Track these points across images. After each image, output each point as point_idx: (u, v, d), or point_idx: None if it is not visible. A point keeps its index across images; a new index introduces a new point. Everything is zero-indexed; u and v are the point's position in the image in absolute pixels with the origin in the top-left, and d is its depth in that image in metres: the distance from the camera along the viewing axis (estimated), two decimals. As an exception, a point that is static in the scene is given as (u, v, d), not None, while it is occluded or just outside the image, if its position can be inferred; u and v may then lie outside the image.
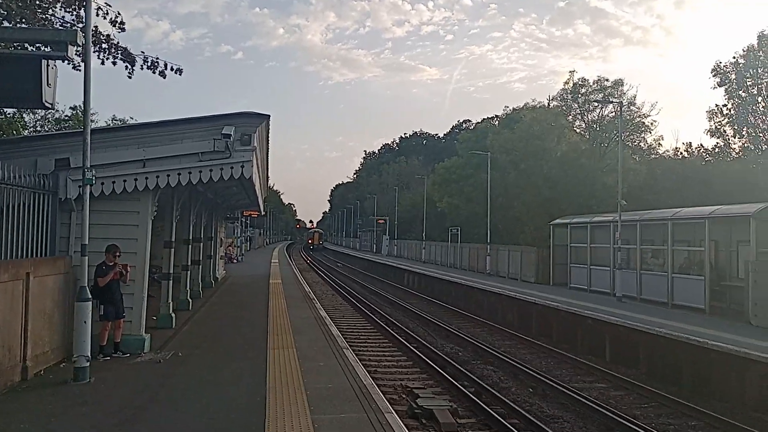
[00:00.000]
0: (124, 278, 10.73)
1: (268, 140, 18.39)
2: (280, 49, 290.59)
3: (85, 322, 9.05)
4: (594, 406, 11.87)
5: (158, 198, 11.91)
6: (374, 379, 10.62)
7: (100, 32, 14.99)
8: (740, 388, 12.69)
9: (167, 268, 14.73)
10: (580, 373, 15.64)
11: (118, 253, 10.66)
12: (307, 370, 9.89)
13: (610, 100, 38.35)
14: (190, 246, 18.72)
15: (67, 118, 37.08)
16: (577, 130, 46.08)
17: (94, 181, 9.50)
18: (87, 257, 9.28)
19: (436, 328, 22.25)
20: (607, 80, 42.64)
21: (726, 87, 37.33)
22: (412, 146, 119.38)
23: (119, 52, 15.38)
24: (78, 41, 8.67)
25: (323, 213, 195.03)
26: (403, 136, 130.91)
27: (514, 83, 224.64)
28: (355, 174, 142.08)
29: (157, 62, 15.27)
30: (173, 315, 14.58)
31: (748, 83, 36.40)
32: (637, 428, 10.50)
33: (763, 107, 36.29)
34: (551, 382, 13.77)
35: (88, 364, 9.01)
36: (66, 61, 11.96)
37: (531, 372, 14.84)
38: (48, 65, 8.60)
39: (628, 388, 13.97)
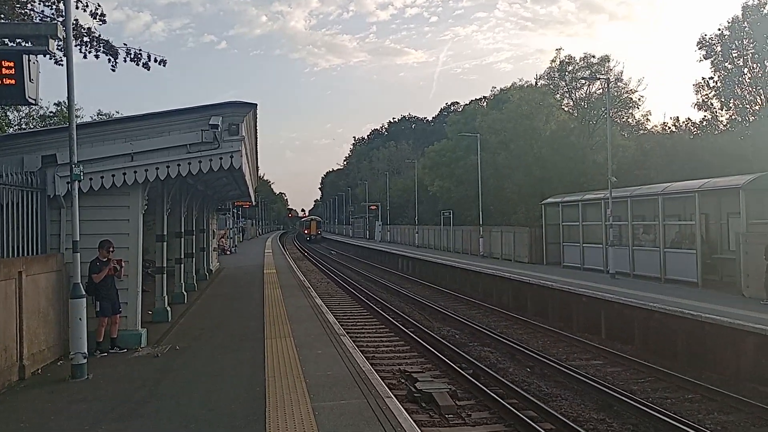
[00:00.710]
0: (118, 273, 10.68)
1: (256, 129, 18.26)
2: (264, 37, 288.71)
3: (80, 318, 9.01)
4: (591, 383, 11.95)
5: (148, 191, 11.81)
6: (372, 364, 10.65)
7: (81, 25, 14.81)
8: (735, 359, 12.81)
9: (160, 262, 14.67)
10: (576, 351, 15.75)
11: (111, 249, 10.61)
12: (306, 359, 9.90)
13: (597, 76, 38.37)
14: (182, 239, 18.65)
15: (51, 114, 36.82)
16: (566, 109, 46.19)
17: (82, 177, 9.40)
18: (79, 254, 9.22)
19: (432, 312, 22.33)
20: (593, 57, 42.80)
21: (712, 59, 37.35)
22: (401, 130, 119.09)
23: (101, 44, 15.22)
24: (59, 35, 8.55)
25: (315, 201, 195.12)
26: (392, 120, 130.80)
27: (500, 63, 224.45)
28: (345, 161, 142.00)
29: (140, 54, 15.14)
30: (169, 309, 14.53)
31: (734, 55, 36.45)
32: (635, 403, 10.59)
33: (749, 79, 36.36)
34: (548, 361, 13.85)
35: (85, 360, 8.98)
36: (48, 56, 11.79)
37: (528, 352, 14.93)
38: (29, 60, 8.47)
39: (625, 364, 14.08)
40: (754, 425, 10.16)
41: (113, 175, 10.80)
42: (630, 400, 10.78)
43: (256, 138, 19.85)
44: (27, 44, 9.23)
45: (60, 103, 36.02)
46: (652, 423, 9.87)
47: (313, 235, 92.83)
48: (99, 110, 45.24)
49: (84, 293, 9.28)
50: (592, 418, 10.42)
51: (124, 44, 18.62)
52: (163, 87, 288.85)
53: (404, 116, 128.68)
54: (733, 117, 37.57)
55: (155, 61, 15.13)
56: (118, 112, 43.64)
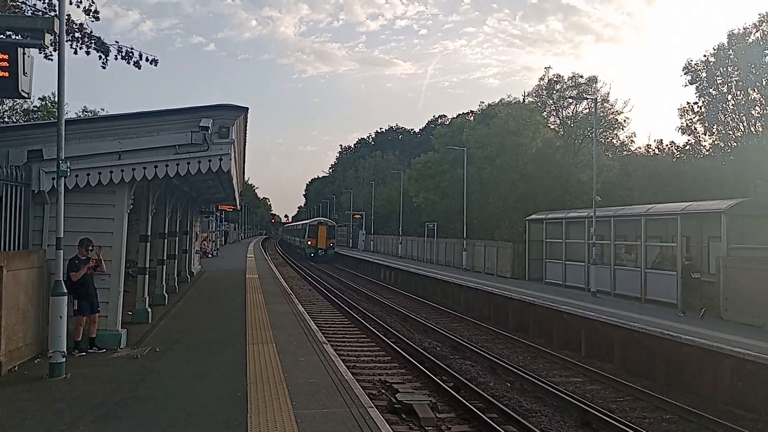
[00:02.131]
0: (100, 268, 10.55)
1: (245, 134, 18.18)
2: (253, 42, 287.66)
3: (60, 317, 8.89)
4: (571, 400, 12.00)
5: (134, 191, 11.71)
6: (353, 374, 10.60)
7: (73, 21, 14.66)
8: (712, 381, 12.95)
9: (143, 263, 14.53)
10: (556, 367, 15.82)
11: (91, 247, 10.49)
12: (288, 365, 9.83)
13: (585, 96, 38.70)
14: (165, 240, 18.48)
15: (35, 108, 36.27)
16: (552, 127, 46.56)
17: (68, 173, 9.30)
18: (62, 251, 9.09)
19: (414, 323, 22.31)
20: (581, 77, 43.19)
21: (697, 85, 37.90)
22: (388, 141, 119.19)
23: (92, 41, 15.06)
24: (54, 29, 8.47)
25: (298, 207, 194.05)
26: (379, 130, 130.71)
27: (488, 79, 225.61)
28: (330, 168, 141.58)
29: (132, 52, 14.97)
30: (149, 310, 14.38)
31: (719, 81, 37.02)
32: (613, 422, 10.64)
33: (732, 105, 36.96)
34: (528, 377, 13.89)
35: (64, 359, 8.86)
36: (39, 50, 11.67)
37: (508, 366, 14.96)
38: (24, 54, 8.39)
39: (604, 382, 14.17)
40: (730, 447, 10.26)
41: (100, 173, 10.70)
42: (609, 418, 10.83)
43: (245, 142, 19.77)
44: (19, 37, 9.14)
45: (45, 97, 35.49)
46: (631, 442, 9.92)
47: (321, 249, 60.55)
48: (84, 107, 44.77)
49: (65, 291, 9.16)
50: (571, 435, 10.46)
51: (116, 42, 18.53)
52: (148, 86, 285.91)
53: (391, 127, 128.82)
54: (716, 142, 38.13)
55: (146, 60, 14.98)
56: (103, 110, 43.26)
